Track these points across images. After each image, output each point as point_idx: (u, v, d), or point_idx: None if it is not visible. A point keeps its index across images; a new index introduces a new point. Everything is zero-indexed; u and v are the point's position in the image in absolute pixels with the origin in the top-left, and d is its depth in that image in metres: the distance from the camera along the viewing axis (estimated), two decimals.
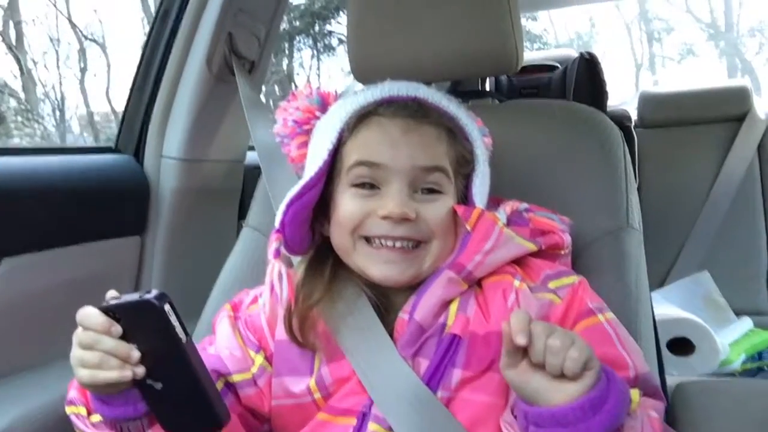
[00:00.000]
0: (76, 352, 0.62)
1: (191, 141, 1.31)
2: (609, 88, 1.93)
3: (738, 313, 1.87)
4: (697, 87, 2.23)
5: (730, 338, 1.74)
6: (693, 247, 2.04)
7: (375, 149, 0.72)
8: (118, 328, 0.61)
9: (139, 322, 0.61)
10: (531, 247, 0.76)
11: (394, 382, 0.68)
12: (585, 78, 1.82)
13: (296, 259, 0.80)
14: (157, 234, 1.29)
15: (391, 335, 0.72)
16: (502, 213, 0.79)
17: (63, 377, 1.04)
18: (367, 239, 0.72)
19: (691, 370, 1.57)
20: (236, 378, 0.75)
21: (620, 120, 1.85)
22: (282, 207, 0.73)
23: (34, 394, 0.98)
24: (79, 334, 0.62)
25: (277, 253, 0.74)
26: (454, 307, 0.71)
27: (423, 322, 0.70)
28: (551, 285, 0.73)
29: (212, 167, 1.39)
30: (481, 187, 0.78)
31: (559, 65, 2.02)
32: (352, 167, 0.73)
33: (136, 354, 0.61)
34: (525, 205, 0.82)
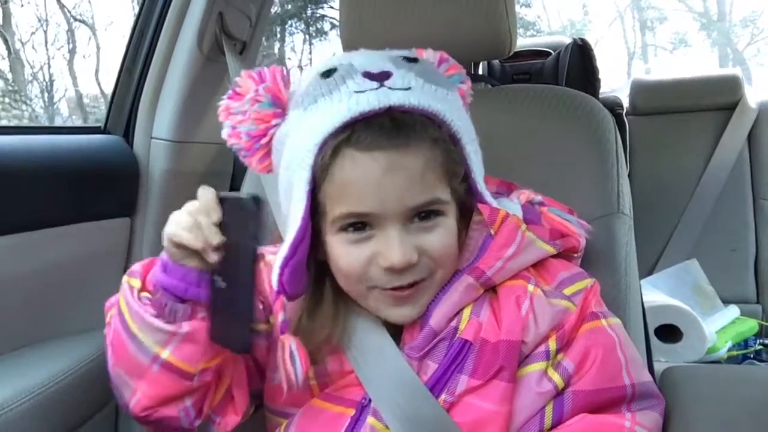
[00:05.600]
0: (178, 213, 0.68)
1: (181, 122, 1.30)
2: (601, 75, 1.92)
3: (725, 302, 1.89)
4: (689, 75, 2.24)
5: (717, 326, 1.75)
6: (682, 235, 2.05)
7: (358, 197, 0.64)
8: (218, 214, 0.66)
9: (233, 217, 0.66)
10: (551, 250, 0.74)
11: (391, 381, 0.68)
12: (577, 64, 1.81)
13: None
14: (147, 216, 1.28)
15: (400, 332, 0.71)
16: (517, 202, 0.78)
17: (52, 357, 1.05)
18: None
19: (679, 357, 1.59)
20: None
21: (612, 106, 1.84)
22: (276, 270, 0.66)
23: (25, 373, 0.98)
24: (191, 202, 0.68)
25: (284, 327, 0.71)
26: (467, 311, 0.70)
27: (437, 328, 0.69)
28: (566, 291, 0.71)
29: (202, 149, 1.38)
30: (479, 176, 0.72)
31: (552, 51, 2.01)
32: (337, 219, 0.66)
33: (216, 240, 0.65)
34: (539, 198, 0.81)
